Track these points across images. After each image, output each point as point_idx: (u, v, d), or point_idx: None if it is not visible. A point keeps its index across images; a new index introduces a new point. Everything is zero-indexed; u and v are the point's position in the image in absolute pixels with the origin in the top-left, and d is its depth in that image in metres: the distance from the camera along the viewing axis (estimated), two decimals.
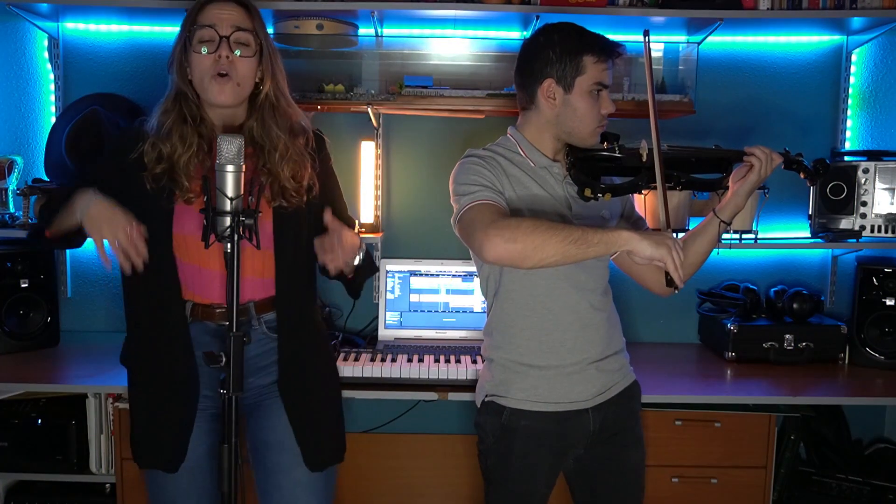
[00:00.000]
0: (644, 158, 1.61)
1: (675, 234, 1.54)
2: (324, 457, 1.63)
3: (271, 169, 1.54)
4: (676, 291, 1.51)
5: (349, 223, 1.68)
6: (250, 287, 1.57)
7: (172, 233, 1.52)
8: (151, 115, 1.56)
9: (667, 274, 1.45)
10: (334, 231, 1.50)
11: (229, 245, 1.36)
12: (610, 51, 1.59)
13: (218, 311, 1.56)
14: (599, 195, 1.58)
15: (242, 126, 1.58)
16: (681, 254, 1.42)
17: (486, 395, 1.67)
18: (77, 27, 2.46)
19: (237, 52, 1.50)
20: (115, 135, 1.62)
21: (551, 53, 1.57)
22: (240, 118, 1.59)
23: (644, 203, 2.00)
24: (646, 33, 1.60)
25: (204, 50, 1.49)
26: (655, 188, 1.60)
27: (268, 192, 1.54)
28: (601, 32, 1.64)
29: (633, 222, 1.78)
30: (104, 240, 1.42)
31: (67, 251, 2.52)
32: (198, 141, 1.53)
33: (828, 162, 1.72)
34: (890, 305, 2.33)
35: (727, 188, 1.68)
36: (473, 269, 2.31)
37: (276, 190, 1.55)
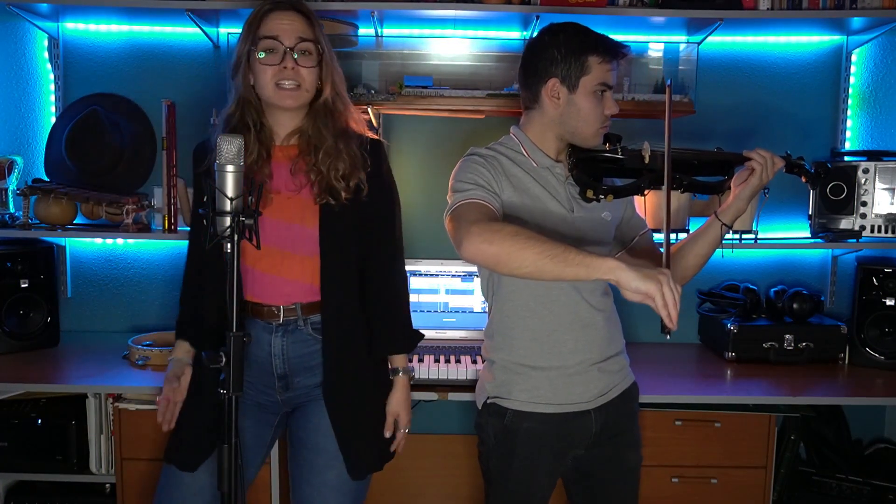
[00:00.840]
0: (646, 160, 1.61)
1: (676, 235, 1.53)
2: (365, 465, 1.64)
3: (319, 167, 1.57)
4: (668, 337, 1.35)
5: (387, 250, 1.68)
6: (298, 290, 1.61)
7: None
8: (217, 124, 1.61)
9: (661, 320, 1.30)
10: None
11: (229, 245, 1.36)
12: (615, 51, 1.59)
13: (266, 308, 1.61)
14: (601, 196, 1.58)
15: (300, 128, 1.61)
16: (675, 292, 1.28)
17: (488, 397, 1.67)
18: (77, 27, 2.46)
19: (300, 61, 1.54)
20: (194, 154, 1.69)
21: (556, 53, 1.57)
22: (299, 121, 1.62)
23: (644, 204, 2.00)
24: (668, 88, 1.55)
25: (269, 60, 1.53)
26: (658, 189, 1.60)
27: (316, 188, 1.57)
28: (601, 33, 1.64)
29: (634, 224, 1.78)
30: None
31: (67, 251, 2.53)
32: (258, 148, 1.58)
33: (829, 165, 1.72)
34: (890, 305, 2.33)
35: (729, 190, 1.68)
36: (473, 269, 2.31)
37: (324, 187, 1.57)
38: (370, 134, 1.69)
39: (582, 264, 1.30)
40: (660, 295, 1.27)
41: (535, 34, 1.65)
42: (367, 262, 1.66)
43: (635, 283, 1.27)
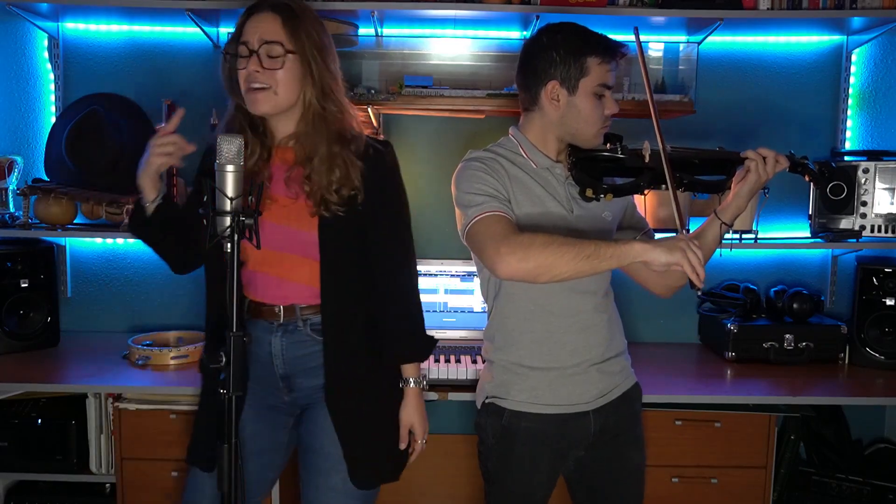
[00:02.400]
0: (647, 159, 1.61)
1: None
2: (372, 473, 1.61)
3: (313, 177, 1.54)
4: (700, 292, 1.47)
5: (395, 256, 1.64)
6: (297, 291, 1.60)
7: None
8: (219, 125, 1.60)
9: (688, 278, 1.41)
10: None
11: (229, 245, 1.36)
12: (614, 52, 1.58)
13: (266, 308, 1.61)
14: (601, 196, 1.58)
15: (296, 132, 1.58)
16: (698, 253, 1.38)
17: (487, 397, 1.67)
18: (77, 27, 2.46)
19: (266, 63, 1.50)
20: (203, 156, 1.67)
21: (555, 55, 1.56)
22: (293, 125, 1.59)
23: (644, 203, 2.00)
24: (636, 31, 1.60)
25: (239, 64, 1.52)
26: (657, 189, 1.60)
27: (310, 201, 1.55)
28: (601, 33, 1.63)
29: (635, 223, 1.78)
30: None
31: (67, 251, 2.53)
32: (259, 149, 1.56)
33: (833, 165, 1.72)
34: (890, 305, 2.33)
35: (730, 190, 1.67)
36: (473, 269, 2.30)
37: (318, 200, 1.54)
38: (373, 134, 1.66)
39: (615, 256, 1.40)
40: (686, 261, 1.37)
41: (532, 35, 1.64)
42: (376, 268, 1.62)
43: (665, 259, 1.38)
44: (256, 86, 1.50)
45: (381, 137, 1.70)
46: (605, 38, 1.58)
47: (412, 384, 1.66)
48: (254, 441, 1.62)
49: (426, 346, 1.68)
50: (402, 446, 1.65)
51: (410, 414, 1.66)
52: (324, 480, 1.59)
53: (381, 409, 1.65)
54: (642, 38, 2.39)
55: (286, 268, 1.59)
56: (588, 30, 1.59)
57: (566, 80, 1.56)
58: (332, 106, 1.56)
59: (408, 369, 1.66)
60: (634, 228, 1.78)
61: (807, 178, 1.73)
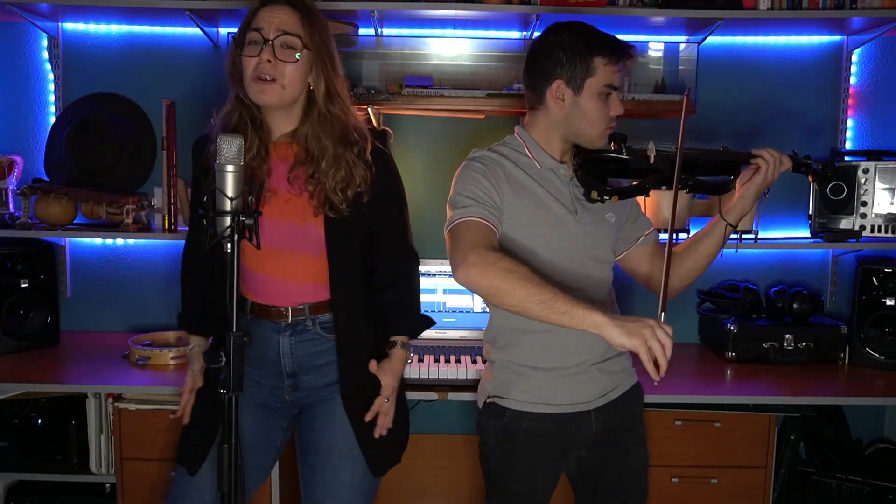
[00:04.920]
0: (651, 160, 1.60)
1: (676, 235, 1.52)
2: (386, 460, 1.65)
3: (318, 178, 1.54)
4: (655, 384, 1.32)
5: (399, 251, 1.69)
6: (305, 291, 1.61)
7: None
8: (216, 124, 1.58)
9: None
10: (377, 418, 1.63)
11: (229, 245, 1.36)
12: (621, 52, 1.56)
13: (273, 310, 1.61)
14: (606, 198, 1.57)
15: (296, 131, 1.58)
16: (664, 341, 1.28)
17: (488, 397, 1.67)
18: (77, 27, 2.46)
19: (280, 55, 1.49)
20: (194, 148, 1.67)
21: (561, 54, 1.55)
22: (294, 122, 1.58)
23: (645, 203, 2.00)
24: (686, 95, 1.57)
25: (250, 52, 1.50)
26: (662, 190, 1.60)
27: (315, 200, 1.55)
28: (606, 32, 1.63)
29: (640, 224, 1.77)
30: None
31: (67, 251, 2.53)
32: (257, 144, 1.55)
33: (836, 164, 1.71)
34: (890, 305, 2.33)
35: (734, 190, 1.67)
36: None
37: (322, 200, 1.55)
38: (372, 129, 1.65)
39: (567, 314, 1.33)
40: (644, 349, 1.28)
41: (540, 34, 1.63)
42: (379, 263, 1.66)
43: (620, 340, 1.29)
44: (266, 76, 1.49)
45: (378, 126, 1.69)
46: (613, 38, 1.57)
47: (399, 346, 1.67)
48: (249, 440, 1.63)
49: (420, 323, 1.72)
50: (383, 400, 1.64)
51: (386, 372, 1.65)
52: (333, 478, 1.60)
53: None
54: (642, 38, 2.42)
55: (290, 267, 1.59)
56: (595, 30, 1.58)
57: (572, 80, 1.55)
58: (337, 107, 1.57)
59: (398, 338, 1.69)
60: (640, 228, 1.77)
61: (810, 179, 1.72)
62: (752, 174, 1.63)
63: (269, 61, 1.48)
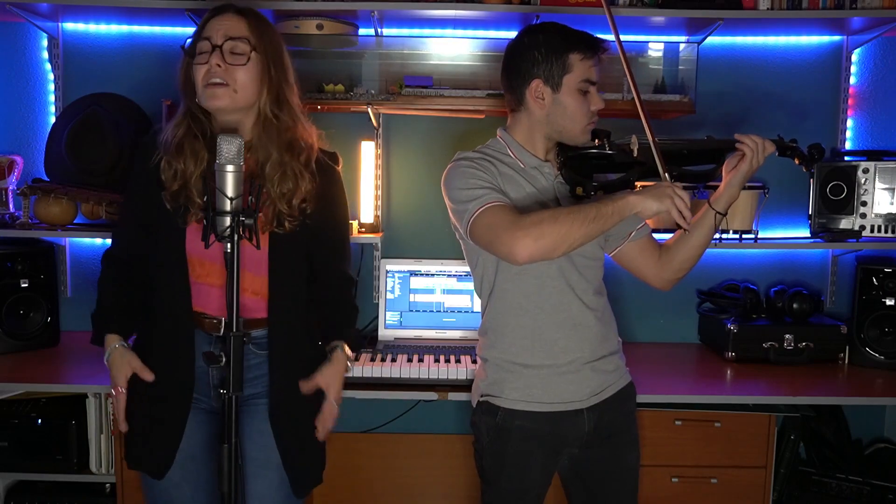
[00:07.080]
0: (635, 153, 1.61)
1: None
2: (309, 481, 1.66)
3: (265, 188, 1.53)
4: (686, 232, 1.56)
5: (336, 276, 1.69)
6: (242, 305, 1.56)
7: (185, 251, 1.55)
8: (165, 130, 1.57)
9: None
10: (321, 426, 1.63)
11: (229, 245, 1.36)
12: (595, 47, 1.59)
13: (207, 320, 1.58)
14: (592, 193, 1.58)
15: (249, 143, 1.56)
16: (684, 196, 1.46)
17: (481, 395, 1.67)
18: (77, 27, 2.46)
19: (229, 59, 1.49)
20: (139, 148, 1.64)
21: (537, 54, 1.57)
22: (246, 133, 1.57)
23: None
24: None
25: (200, 60, 1.50)
26: (648, 182, 1.60)
27: (264, 215, 1.53)
28: (600, 33, 1.64)
29: (630, 220, 1.76)
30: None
31: (67, 251, 2.53)
32: (208, 157, 1.53)
33: (822, 147, 1.73)
34: (890, 305, 2.33)
35: (720, 178, 1.67)
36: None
37: (271, 215, 1.54)
38: (323, 146, 1.64)
39: (615, 212, 1.46)
40: (674, 207, 1.46)
41: (514, 37, 1.65)
42: (319, 275, 1.66)
43: (655, 207, 1.46)
44: (216, 80, 1.49)
45: (330, 149, 1.66)
46: (586, 34, 1.60)
47: (339, 350, 1.65)
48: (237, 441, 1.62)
49: (361, 341, 1.74)
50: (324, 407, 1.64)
51: (330, 375, 1.63)
52: (266, 488, 1.60)
53: (313, 413, 1.65)
54: (642, 38, 2.41)
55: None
56: (568, 27, 1.60)
57: (550, 78, 1.57)
58: (285, 115, 1.56)
59: (339, 341, 1.67)
60: (631, 223, 1.76)
61: (797, 162, 1.72)
62: (737, 161, 1.64)
63: (219, 66, 1.48)
